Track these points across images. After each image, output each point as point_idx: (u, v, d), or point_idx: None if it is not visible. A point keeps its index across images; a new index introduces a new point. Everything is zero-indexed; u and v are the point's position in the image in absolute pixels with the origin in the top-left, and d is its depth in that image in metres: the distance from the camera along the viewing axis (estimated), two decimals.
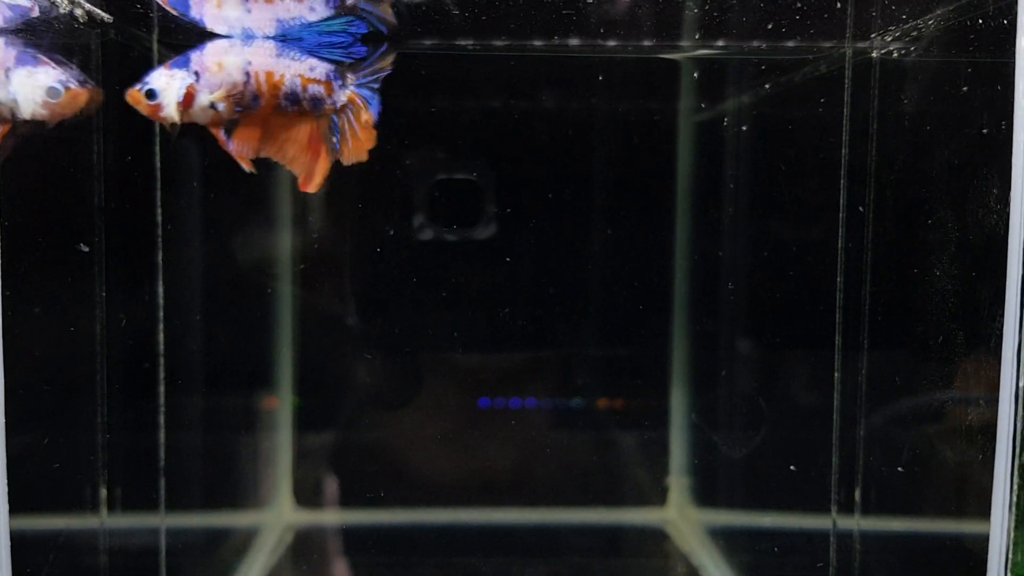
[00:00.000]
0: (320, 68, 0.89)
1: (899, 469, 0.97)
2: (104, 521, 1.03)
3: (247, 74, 0.86)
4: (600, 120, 1.18)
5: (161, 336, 1.10)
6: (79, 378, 1.00)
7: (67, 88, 0.83)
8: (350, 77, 0.90)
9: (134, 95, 0.85)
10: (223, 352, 1.18)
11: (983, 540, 0.74)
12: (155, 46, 0.95)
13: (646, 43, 1.02)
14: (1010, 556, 0.69)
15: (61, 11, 0.83)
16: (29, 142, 0.84)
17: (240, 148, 0.90)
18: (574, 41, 1.01)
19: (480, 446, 1.24)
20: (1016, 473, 0.68)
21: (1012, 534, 0.69)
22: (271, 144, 0.90)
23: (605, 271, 1.21)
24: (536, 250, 1.20)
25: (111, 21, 0.90)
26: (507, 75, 1.15)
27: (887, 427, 1.01)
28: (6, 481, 0.74)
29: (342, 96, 0.90)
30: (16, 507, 0.76)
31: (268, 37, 0.88)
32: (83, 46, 0.89)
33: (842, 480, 1.08)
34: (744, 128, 1.17)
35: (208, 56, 0.86)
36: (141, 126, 0.98)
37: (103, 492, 1.03)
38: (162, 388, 1.10)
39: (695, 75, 1.15)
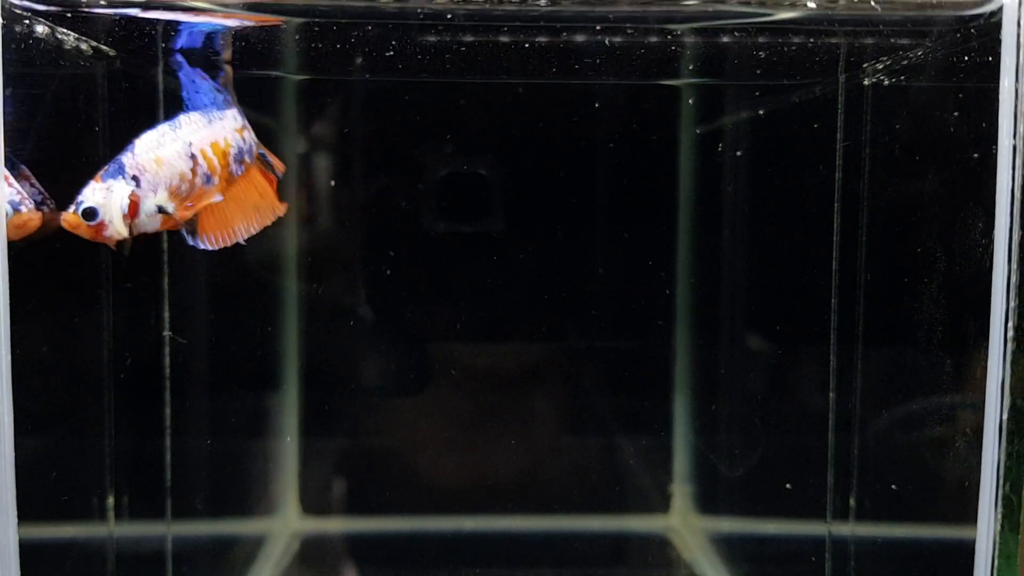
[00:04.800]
0: (239, 114, 0.82)
1: (892, 487, 0.98)
2: (112, 529, 1.04)
3: (192, 156, 0.79)
4: (604, 133, 1.19)
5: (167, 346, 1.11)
6: (86, 385, 1.01)
7: (16, 210, 0.75)
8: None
9: (70, 219, 0.75)
10: (229, 356, 1.19)
11: (970, 549, 0.75)
12: (160, 76, 0.96)
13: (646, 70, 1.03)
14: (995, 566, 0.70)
15: (67, 47, 0.83)
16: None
17: (215, 238, 0.81)
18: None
19: (482, 452, 1.25)
20: (1001, 503, 0.69)
21: (997, 562, 0.70)
22: (240, 215, 0.83)
23: (608, 279, 1.22)
24: (539, 258, 1.21)
25: (115, 54, 0.90)
26: (512, 90, 1.16)
27: (879, 443, 1.02)
28: (14, 489, 0.75)
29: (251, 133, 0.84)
30: (24, 515, 0.76)
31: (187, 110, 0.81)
32: (89, 77, 0.89)
33: (838, 488, 1.09)
34: (743, 144, 1.17)
35: (142, 154, 0.77)
36: None
37: (110, 500, 1.04)
38: (168, 397, 1.12)
39: (690, 101, 1.16)
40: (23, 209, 0.75)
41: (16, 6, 0.75)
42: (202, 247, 0.81)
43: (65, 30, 0.81)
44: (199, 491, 1.19)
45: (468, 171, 1.18)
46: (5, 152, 0.73)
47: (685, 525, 1.28)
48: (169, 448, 1.13)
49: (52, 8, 0.77)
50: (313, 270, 1.20)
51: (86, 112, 0.90)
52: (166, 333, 1.12)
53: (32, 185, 0.78)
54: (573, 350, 1.25)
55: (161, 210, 0.77)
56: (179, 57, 0.80)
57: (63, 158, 0.87)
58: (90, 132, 0.92)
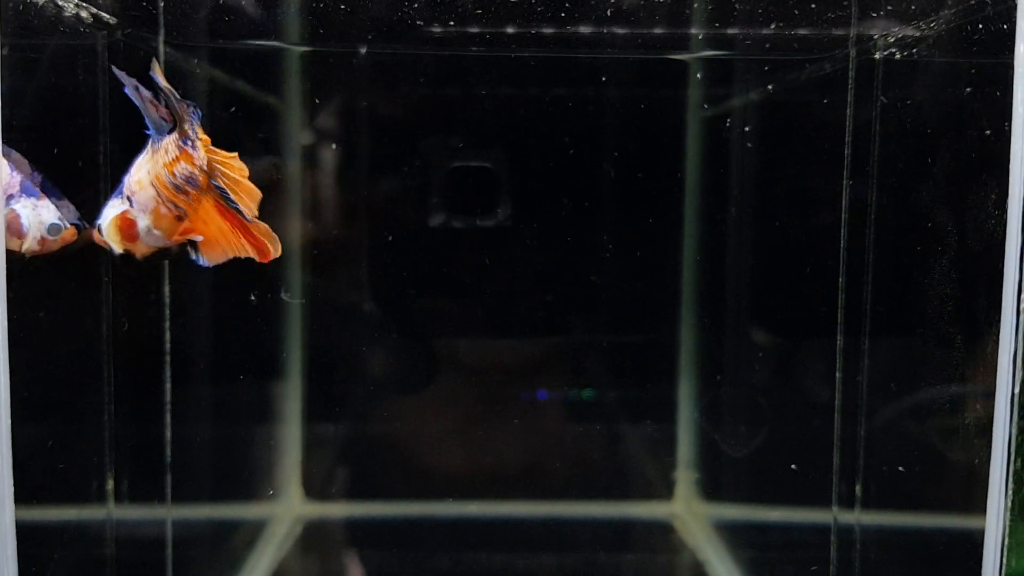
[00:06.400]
0: (171, 145, 0.81)
1: (900, 469, 0.97)
2: (111, 512, 1.04)
3: (152, 185, 0.81)
4: (610, 115, 1.19)
5: (167, 325, 1.11)
6: (86, 369, 1.01)
7: (65, 228, 0.82)
8: (190, 128, 0.81)
9: (96, 236, 0.82)
10: (231, 344, 1.19)
11: (979, 540, 0.74)
12: (161, 47, 0.95)
13: (654, 36, 1.02)
14: (1004, 562, 0.70)
15: (67, 14, 0.83)
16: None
17: (212, 257, 0.83)
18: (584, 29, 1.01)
19: (486, 439, 1.25)
20: (1011, 480, 0.68)
21: (1007, 540, 0.69)
22: (221, 241, 0.83)
23: (613, 264, 1.22)
24: (543, 244, 1.20)
25: (116, 23, 0.90)
26: (518, 68, 1.16)
27: (887, 424, 1.02)
28: (11, 472, 0.75)
29: (201, 155, 0.81)
30: (23, 498, 0.76)
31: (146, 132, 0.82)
32: (88, 47, 0.89)
33: (843, 475, 1.08)
34: (750, 125, 1.17)
35: (132, 175, 0.82)
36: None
37: (110, 484, 1.04)
38: (168, 379, 1.12)
39: (698, 75, 1.15)
40: (69, 224, 0.83)
41: None
42: (206, 265, 0.84)
43: None
44: (201, 475, 1.19)
45: (471, 156, 1.18)
46: (43, 180, 0.81)
47: (689, 512, 1.27)
48: (170, 430, 1.12)
49: None
50: (316, 257, 1.20)
51: (86, 82, 0.90)
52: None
53: (69, 204, 0.85)
54: (577, 336, 1.24)
55: (150, 230, 0.81)
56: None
57: (62, 129, 0.87)
58: (91, 102, 0.92)
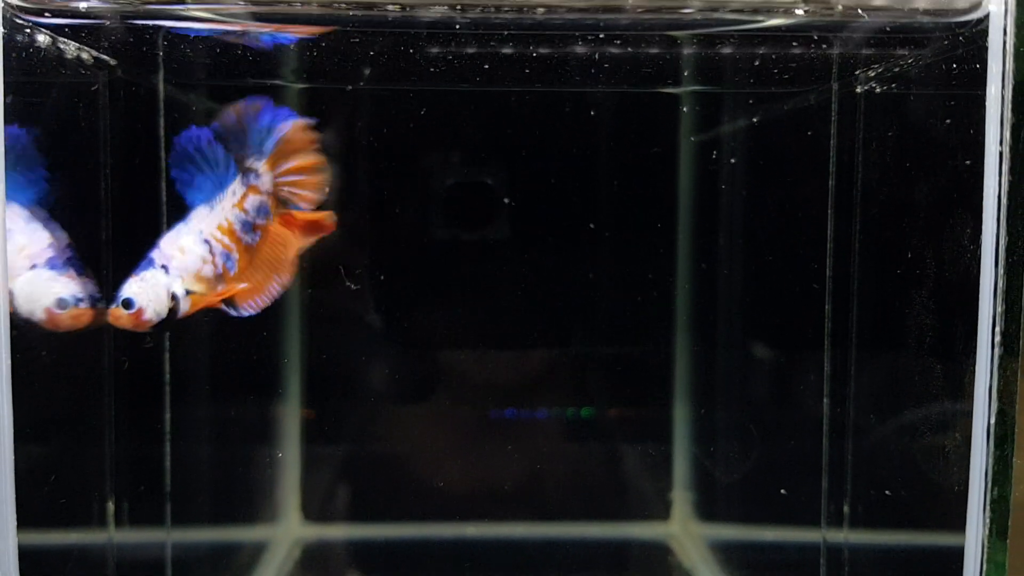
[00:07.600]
0: (237, 186, 0.89)
1: (886, 493, 0.98)
2: (112, 536, 1.05)
3: (206, 242, 0.87)
4: (606, 143, 1.20)
5: (167, 355, 1.12)
6: (88, 394, 1.02)
7: (75, 304, 0.85)
8: (254, 162, 0.90)
9: (113, 312, 0.85)
10: (231, 365, 1.20)
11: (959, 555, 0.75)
12: (160, 84, 0.97)
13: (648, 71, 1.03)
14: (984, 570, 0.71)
15: (69, 56, 0.85)
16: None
17: (256, 303, 0.90)
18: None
19: (484, 459, 1.25)
20: (989, 506, 0.69)
21: (986, 552, 0.70)
22: (271, 275, 0.91)
23: (609, 287, 1.22)
24: (539, 267, 1.21)
25: (115, 64, 0.92)
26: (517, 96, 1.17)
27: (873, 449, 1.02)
28: (14, 496, 0.76)
29: (266, 180, 0.90)
30: (24, 522, 0.77)
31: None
32: (90, 86, 0.91)
33: (833, 494, 1.09)
34: (738, 153, 1.18)
35: (167, 247, 0.87)
36: (147, 163, 1.00)
37: (111, 507, 1.05)
38: (168, 407, 1.12)
39: (684, 109, 1.17)
40: (82, 305, 0.86)
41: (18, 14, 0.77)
42: (247, 314, 0.90)
43: (65, 40, 0.83)
44: (201, 498, 1.19)
45: (469, 180, 1.19)
46: (73, 252, 0.86)
47: (685, 532, 1.28)
48: (169, 455, 1.13)
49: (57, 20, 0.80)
50: (316, 278, 1.20)
51: (87, 119, 0.92)
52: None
53: (92, 283, 0.88)
54: (574, 358, 1.25)
55: (189, 292, 0.87)
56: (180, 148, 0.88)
57: (64, 163, 0.89)
58: (91, 139, 0.94)
